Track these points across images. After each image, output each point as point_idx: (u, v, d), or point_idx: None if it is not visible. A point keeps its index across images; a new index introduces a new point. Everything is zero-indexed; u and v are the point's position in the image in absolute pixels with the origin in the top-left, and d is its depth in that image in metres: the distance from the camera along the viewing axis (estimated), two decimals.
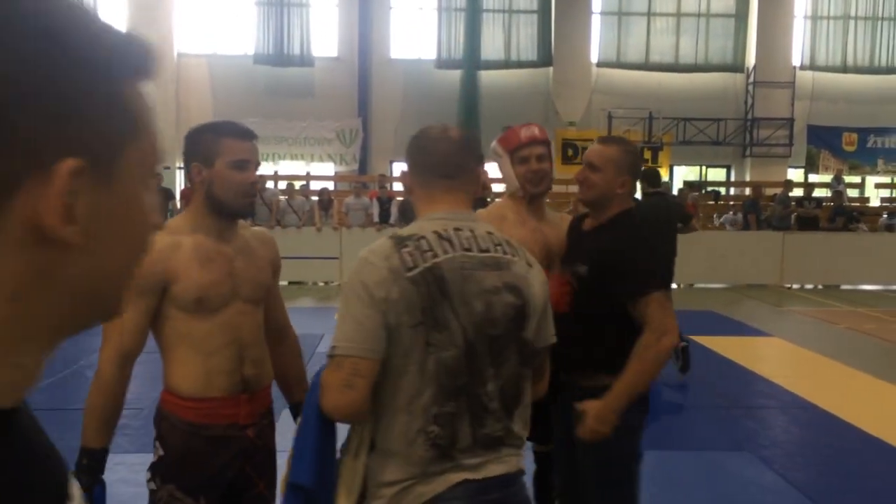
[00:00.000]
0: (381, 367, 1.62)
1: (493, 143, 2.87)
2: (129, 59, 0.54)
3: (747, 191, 16.32)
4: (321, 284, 12.72)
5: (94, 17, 0.52)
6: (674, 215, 6.39)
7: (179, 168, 17.27)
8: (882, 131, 17.85)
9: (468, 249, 1.68)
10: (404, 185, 1.85)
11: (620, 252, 2.42)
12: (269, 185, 14.27)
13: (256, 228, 2.47)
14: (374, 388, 1.63)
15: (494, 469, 1.70)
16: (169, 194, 13.27)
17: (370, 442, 1.68)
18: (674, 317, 2.43)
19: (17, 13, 0.46)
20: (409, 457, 1.64)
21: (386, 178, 14.74)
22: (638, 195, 5.67)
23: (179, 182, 16.77)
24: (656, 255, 2.54)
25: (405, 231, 1.70)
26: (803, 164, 18.03)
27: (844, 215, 13.79)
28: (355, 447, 1.70)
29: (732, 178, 18.62)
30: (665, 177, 17.16)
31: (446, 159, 1.76)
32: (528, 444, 2.87)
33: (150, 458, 2.21)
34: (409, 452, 1.64)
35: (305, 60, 17.23)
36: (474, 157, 1.84)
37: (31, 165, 0.47)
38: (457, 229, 1.70)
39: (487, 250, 1.71)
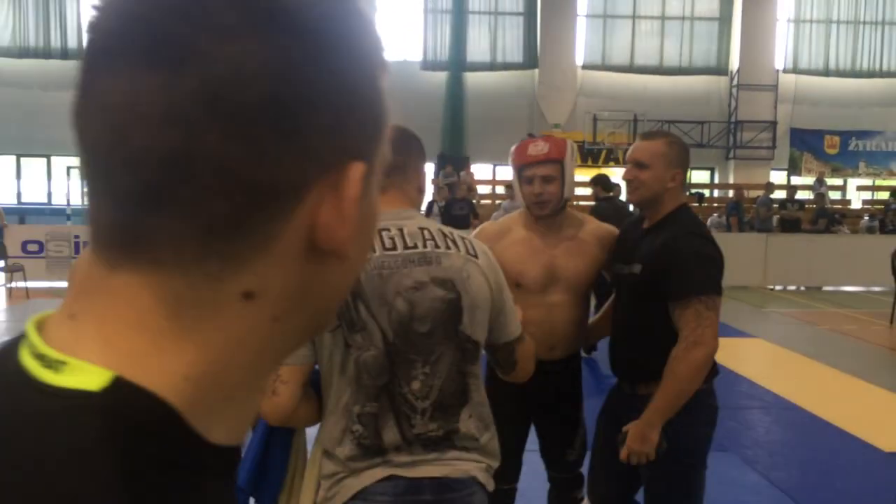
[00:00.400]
0: (317, 374, 1.71)
1: (511, 150, 2.70)
2: (382, 50, 0.48)
3: (731, 193, 16.46)
4: None
5: (360, 4, 0.46)
6: (623, 219, 6.45)
7: None
8: (863, 134, 18.05)
9: (390, 249, 1.67)
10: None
11: (669, 250, 2.31)
12: None
13: None
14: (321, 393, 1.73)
15: (430, 471, 1.66)
16: None
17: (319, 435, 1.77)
18: (713, 328, 2.29)
19: (301, 4, 0.41)
20: (339, 454, 1.68)
21: None
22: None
23: None
24: (703, 259, 2.31)
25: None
26: (786, 167, 18.21)
27: (826, 217, 13.93)
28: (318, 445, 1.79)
29: (716, 181, 18.77)
30: None
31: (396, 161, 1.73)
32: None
33: None
34: (339, 451, 1.68)
35: None
36: (412, 153, 1.82)
37: (320, 170, 0.42)
38: (382, 230, 1.69)
39: (415, 246, 1.69)
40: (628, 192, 2.46)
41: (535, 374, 2.64)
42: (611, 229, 2.75)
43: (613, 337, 2.56)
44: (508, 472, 2.76)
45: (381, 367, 1.65)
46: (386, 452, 1.66)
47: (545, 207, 2.55)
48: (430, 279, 1.67)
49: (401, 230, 1.70)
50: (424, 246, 1.70)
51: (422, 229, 1.73)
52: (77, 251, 12.18)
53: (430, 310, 1.66)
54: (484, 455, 1.75)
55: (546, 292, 2.58)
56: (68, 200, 17.35)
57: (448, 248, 1.72)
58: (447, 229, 1.80)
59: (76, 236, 12.41)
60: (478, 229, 2.80)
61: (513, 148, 2.68)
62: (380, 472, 1.66)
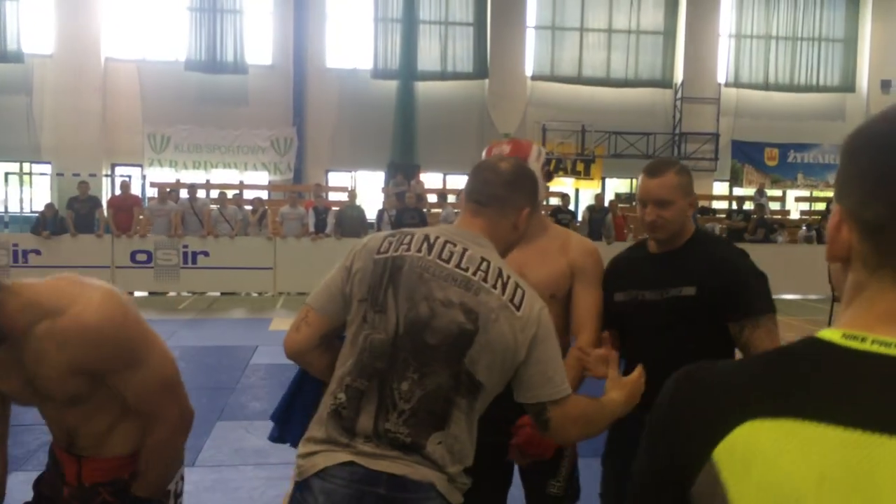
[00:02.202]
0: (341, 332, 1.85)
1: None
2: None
3: None
4: (255, 295, 12.52)
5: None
6: None
7: (106, 175, 16.81)
8: (801, 147, 18.64)
9: (445, 260, 1.75)
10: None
11: (729, 270, 2.27)
12: (201, 194, 14.00)
13: None
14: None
15: (390, 466, 1.66)
16: (96, 202, 12.87)
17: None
18: (777, 343, 2.19)
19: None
20: (319, 418, 1.77)
21: (322, 188, 14.64)
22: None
23: (106, 190, 16.31)
24: (763, 278, 2.30)
25: (413, 230, 1.87)
26: (728, 178, 18.69)
27: (765, 227, 14.33)
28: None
29: None
30: (597, 189, 17.55)
31: (483, 188, 1.87)
32: None
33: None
34: (321, 414, 1.77)
35: (239, 68, 16.99)
36: (519, 191, 1.88)
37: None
38: (448, 242, 1.78)
39: (466, 269, 1.75)
40: (652, 232, 2.37)
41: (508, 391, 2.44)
42: (591, 246, 2.49)
43: (635, 365, 2.23)
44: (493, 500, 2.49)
45: (383, 353, 1.72)
46: (354, 437, 1.70)
47: None
48: (459, 303, 1.72)
49: (464, 251, 1.78)
50: (474, 274, 1.75)
51: (483, 259, 1.78)
52: (15, 259, 11.80)
53: (445, 328, 1.70)
54: (443, 473, 1.71)
55: None
56: (6, 207, 16.81)
57: (494, 286, 1.74)
58: (511, 273, 1.79)
59: (14, 244, 12.03)
60: None
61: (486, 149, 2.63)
62: (342, 456, 1.69)
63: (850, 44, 19.07)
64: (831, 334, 0.77)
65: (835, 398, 0.72)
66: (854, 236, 0.78)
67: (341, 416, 1.72)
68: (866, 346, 0.74)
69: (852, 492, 0.67)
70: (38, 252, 11.83)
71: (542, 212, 3.18)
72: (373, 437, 1.69)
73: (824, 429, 0.70)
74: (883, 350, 0.73)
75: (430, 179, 17.46)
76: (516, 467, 2.45)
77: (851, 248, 0.79)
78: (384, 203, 13.62)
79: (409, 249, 1.77)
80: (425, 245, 1.77)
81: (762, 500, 0.70)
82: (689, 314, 2.29)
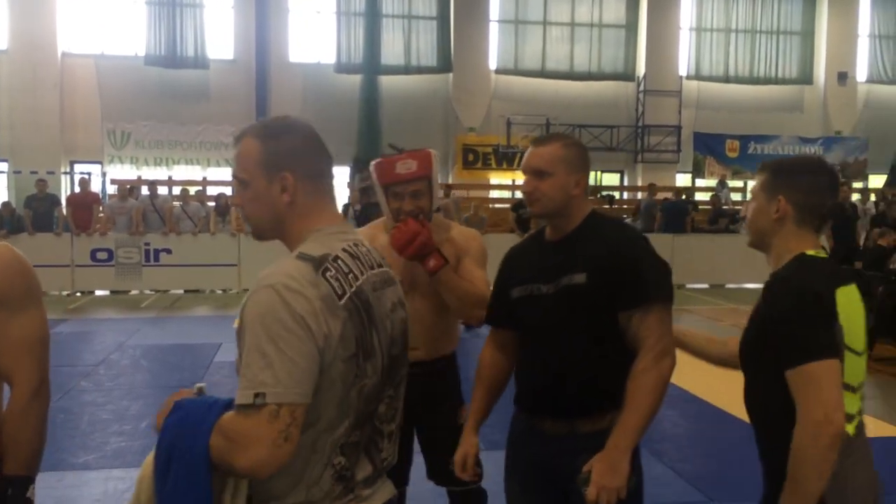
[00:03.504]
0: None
1: (372, 165, 2.70)
2: None
3: (639, 195, 17.00)
4: (219, 292, 12.39)
5: None
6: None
7: (65, 173, 16.47)
8: (761, 139, 18.95)
9: (371, 267, 1.56)
10: (272, 194, 1.53)
11: (621, 255, 2.04)
12: (163, 190, 13.80)
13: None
14: None
15: (382, 496, 1.59)
16: (55, 200, 12.61)
17: (247, 492, 1.46)
18: (672, 336, 2.08)
19: None
20: (308, 500, 1.47)
21: None
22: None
23: (65, 188, 15.99)
24: (658, 264, 2.08)
25: (313, 251, 1.47)
26: (691, 170, 18.94)
27: (726, 217, 14.54)
28: (229, 499, 1.46)
29: (626, 183, 19.33)
30: None
31: (328, 160, 1.61)
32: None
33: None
34: (311, 494, 1.47)
35: (200, 62, 16.76)
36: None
37: None
38: (355, 244, 1.56)
39: (381, 265, 1.61)
40: (529, 205, 2.18)
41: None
42: (473, 232, 2.86)
43: (532, 369, 2.19)
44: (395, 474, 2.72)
45: (376, 393, 1.53)
46: (356, 487, 1.52)
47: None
48: (397, 300, 1.62)
49: (366, 246, 1.59)
50: (385, 265, 1.62)
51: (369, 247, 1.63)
52: None
53: (400, 331, 1.61)
54: None
55: (407, 297, 2.56)
56: None
57: (389, 266, 1.65)
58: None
59: None
60: None
61: (374, 163, 2.68)
62: None
63: (807, 36, 19.41)
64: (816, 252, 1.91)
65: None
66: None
67: (344, 477, 1.50)
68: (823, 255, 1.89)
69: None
70: None
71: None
72: (372, 478, 1.56)
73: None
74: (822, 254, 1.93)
75: None
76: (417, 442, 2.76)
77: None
78: (349, 198, 13.55)
79: (356, 277, 1.49)
80: (358, 262, 1.53)
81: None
82: (581, 305, 2.05)
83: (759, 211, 2.03)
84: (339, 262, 1.47)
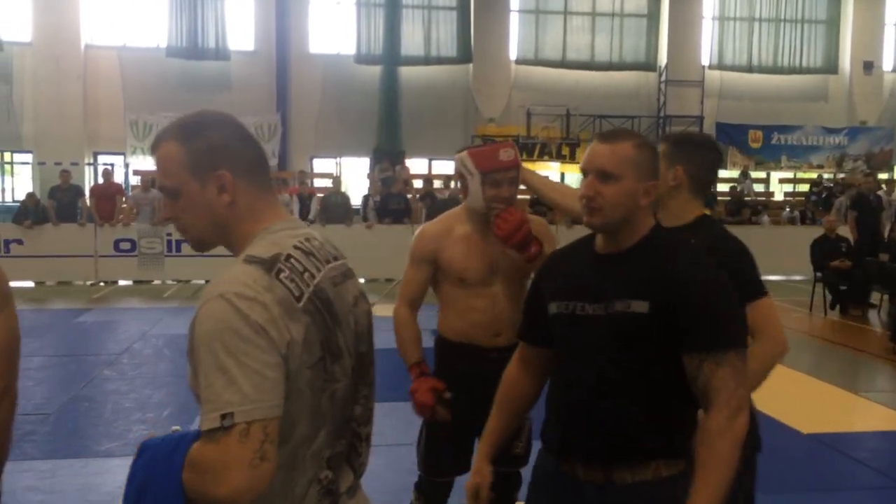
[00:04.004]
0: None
1: (463, 155, 2.68)
2: None
3: None
4: None
5: None
6: None
7: (89, 164, 16.65)
8: (785, 129, 18.72)
9: (327, 261, 1.43)
10: (208, 197, 1.39)
11: (700, 289, 1.72)
12: None
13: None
14: None
15: (359, 502, 1.52)
16: (79, 191, 12.76)
17: None
18: (747, 387, 1.79)
19: None
20: None
21: (306, 175, 14.58)
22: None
23: (89, 179, 16.16)
24: (735, 302, 1.79)
25: (262, 252, 1.35)
26: None
27: (749, 208, 14.40)
28: None
29: None
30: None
31: (262, 151, 1.47)
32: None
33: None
34: None
35: (221, 54, 16.84)
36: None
37: None
38: (307, 239, 1.43)
39: (337, 258, 1.48)
40: (588, 214, 1.82)
41: (481, 362, 2.72)
42: (541, 220, 2.93)
43: (566, 397, 1.88)
44: (461, 460, 2.83)
45: (349, 396, 1.44)
46: (339, 499, 1.43)
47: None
48: (358, 293, 1.50)
49: (318, 239, 1.47)
50: (336, 257, 1.48)
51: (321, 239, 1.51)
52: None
53: (366, 326, 1.51)
54: None
55: (489, 284, 2.77)
56: None
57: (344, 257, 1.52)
58: None
59: None
60: (420, 230, 2.90)
61: (471, 151, 2.68)
62: None
63: (832, 25, 19.11)
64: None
65: None
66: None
67: (332, 491, 1.41)
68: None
69: None
70: (20, 242, 11.73)
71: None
72: (354, 486, 1.49)
73: None
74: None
75: (416, 165, 17.41)
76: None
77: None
78: (369, 189, 13.58)
79: (313, 275, 1.37)
80: (313, 259, 1.40)
81: None
82: (639, 337, 1.75)
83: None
84: (293, 260, 1.35)
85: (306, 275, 1.36)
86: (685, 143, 2.49)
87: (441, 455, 2.88)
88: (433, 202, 12.62)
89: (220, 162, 1.38)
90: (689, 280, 1.74)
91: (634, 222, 1.81)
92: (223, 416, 1.21)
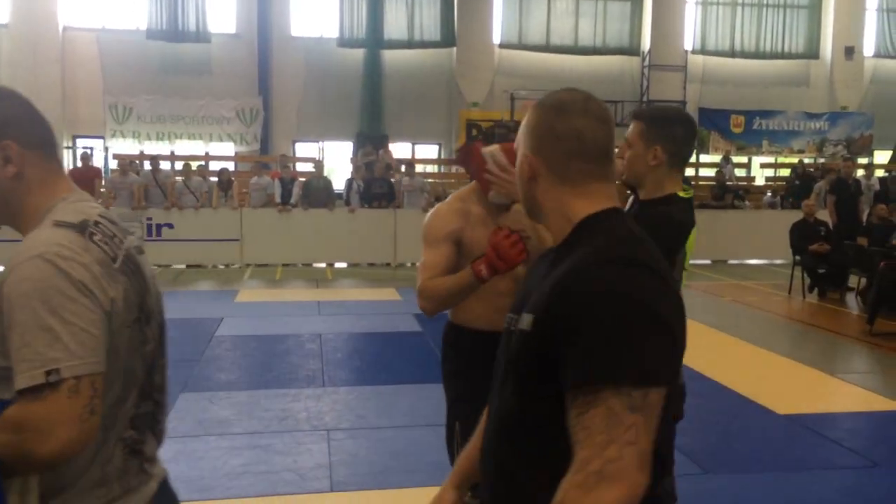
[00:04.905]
0: None
1: (494, 150, 2.54)
2: None
3: None
4: (221, 267, 12.42)
5: None
6: None
7: (67, 148, 16.46)
8: (767, 114, 18.81)
9: (125, 233, 1.46)
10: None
11: (575, 298, 1.21)
12: (165, 165, 13.78)
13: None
14: None
15: (161, 471, 1.53)
16: None
17: (37, 490, 1.31)
18: (639, 444, 1.14)
19: None
20: (103, 479, 1.37)
21: (287, 158, 14.48)
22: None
23: (68, 162, 15.98)
24: (633, 314, 1.19)
25: (71, 217, 1.35)
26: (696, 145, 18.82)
27: (732, 193, 14.48)
28: (17, 500, 1.30)
29: None
30: None
31: (50, 128, 1.48)
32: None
33: None
34: (105, 474, 1.37)
35: (202, 36, 16.66)
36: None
37: None
38: (103, 214, 1.44)
39: (130, 232, 1.49)
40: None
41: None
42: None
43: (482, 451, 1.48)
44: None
45: (155, 360, 1.47)
46: (145, 462, 1.45)
47: None
48: (153, 270, 1.51)
49: (112, 216, 1.47)
50: (129, 232, 1.49)
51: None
52: None
53: (160, 297, 1.53)
54: None
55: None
56: None
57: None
58: None
59: None
60: (434, 210, 2.75)
61: (504, 146, 2.53)
62: (148, 490, 1.45)
63: (814, 10, 19.18)
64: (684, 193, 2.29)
65: None
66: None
67: (137, 452, 1.42)
68: None
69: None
70: None
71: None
72: (154, 449, 1.49)
73: None
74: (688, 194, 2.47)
75: (399, 149, 17.35)
76: None
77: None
78: (352, 173, 13.52)
79: (121, 240, 1.40)
80: (115, 226, 1.42)
81: None
82: (523, 360, 1.29)
83: (636, 157, 2.44)
84: (101, 226, 1.37)
85: (115, 239, 1.37)
86: (662, 122, 2.49)
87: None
88: (367, 183, 12.55)
89: (6, 133, 1.36)
90: (574, 289, 1.21)
91: (557, 213, 1.36)
92: (48, 373, 1.21)
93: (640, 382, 1.15)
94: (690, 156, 2.60)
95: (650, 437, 1.16)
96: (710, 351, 6.95)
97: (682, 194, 2.49)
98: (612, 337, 1.16)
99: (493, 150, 2.56)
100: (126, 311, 1.35)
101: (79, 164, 12.82)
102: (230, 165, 15.60)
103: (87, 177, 12.22)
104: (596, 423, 1.14)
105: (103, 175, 13.62)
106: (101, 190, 12.40)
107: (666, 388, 1.19)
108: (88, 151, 13.40)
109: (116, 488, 1.39)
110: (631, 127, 2.52)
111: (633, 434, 1.14)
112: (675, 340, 1.25)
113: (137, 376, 1.40)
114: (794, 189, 14.84)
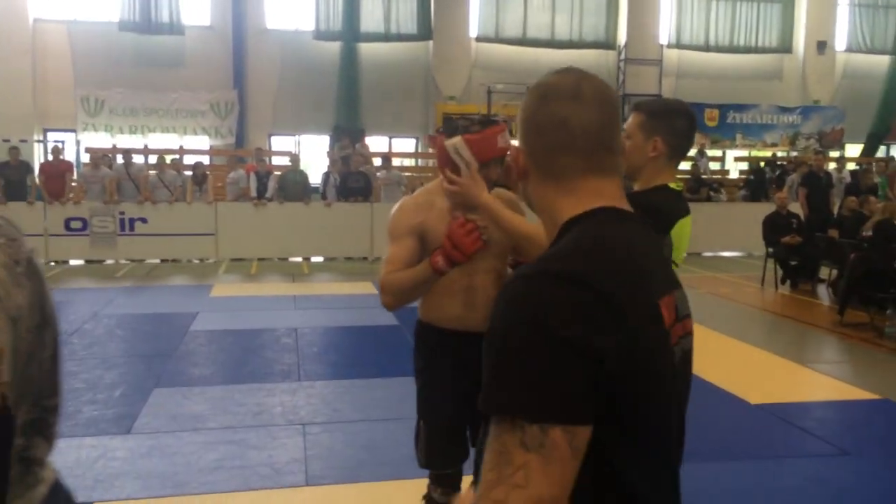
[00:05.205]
0: None
1: (458, 143, 2.42)
2: None
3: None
4: (196, 262, 12.31)
5: None
6: None
7: (38, 141, 16.21)
8: (740, 108, 18.99)
9: (21, 236, 1.38)
10: None
11: (494, 320, 1.04)
12: (138, 159, 13.62)
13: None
14: None
15: (52, 474, 1.44)
16: (28, 168, 12.42)
17: None
18: (532, 490, 0.95)
19: None
20: None
21: (263, 152, 14.38)
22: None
23: (38, 156, 15.74)
24: (530, 340, 0.98)
25: None
26: None
27: (707, 186, 14.61)
28: None
29: None
30: None
31: None
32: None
33: None
34: None
35: (175, 28, 16.46)
36: None
37: None
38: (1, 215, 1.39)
39: (22, 236, 1.42)
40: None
41: (471, 346, 2.36)
42: (510, 194, 2.68)
43: None
44: (457, 451, 2.67)
45: (49, 367, 1.39)
46: (34, 465, 1.38)
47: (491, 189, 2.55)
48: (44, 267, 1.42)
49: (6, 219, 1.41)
50: (22, 235, 1.41)
51: None
52: None
53: (54, 303, 1.43)
54: None
55: (475, 260, 2.52)
56: None
57: None
58: None
59: None
60: (399, 205, 2.68)
61: (468, 137, 2.43)
62: (43, 490, 1.38)
63: (787, 5, 19.37)
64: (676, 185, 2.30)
65: None
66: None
67: (24, 458, 1.35)
68: None
69: None
70: None
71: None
72: (47, 454, 1.40)
73: None
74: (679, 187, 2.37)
75: (376, 143, 17.29)
76: None
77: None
78: (329, 167, 13.45)
79: (21, 245, 1.31)
80: (14, 229, 1.33)
81: None
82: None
83: (635, 148, 2.40)
84: (3, 228, 1.28)
85: (15, 243, 1.30)
86: (662, 114, 2.45)
87: (444, 446, 2.71)
88: (343, 177, 12.52)
89: None
90: (495, 306, 1.05)
91: (546, 215, 1.23)
92: None
93: (536, 418, 0.95)
94: (689, 149, 2.52)
95: (552, 481, 0.95)
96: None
97: (672, 185, 2.45)
98: (506, 364, 0.99)
99: (456, 142, 2.42)
100: (30, 316, 1.28)
101: (49, 157, 12.63)
102: (205, 159, 15.46)
103: (58, 171, 12.06)
104: (489, 458, 0.99)
105: (75, 169, 13.44)
106: (73, 184, 12.23)
107: (581, 426, 0.97)
108: (60, 145, 13.23)
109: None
110: (630, 118, 2.46)
111: (522, 477, 0.95)
112: (598, 373, 0.97)
113: (33, 382, 1.33)
114: (751, 184, 15.05)
